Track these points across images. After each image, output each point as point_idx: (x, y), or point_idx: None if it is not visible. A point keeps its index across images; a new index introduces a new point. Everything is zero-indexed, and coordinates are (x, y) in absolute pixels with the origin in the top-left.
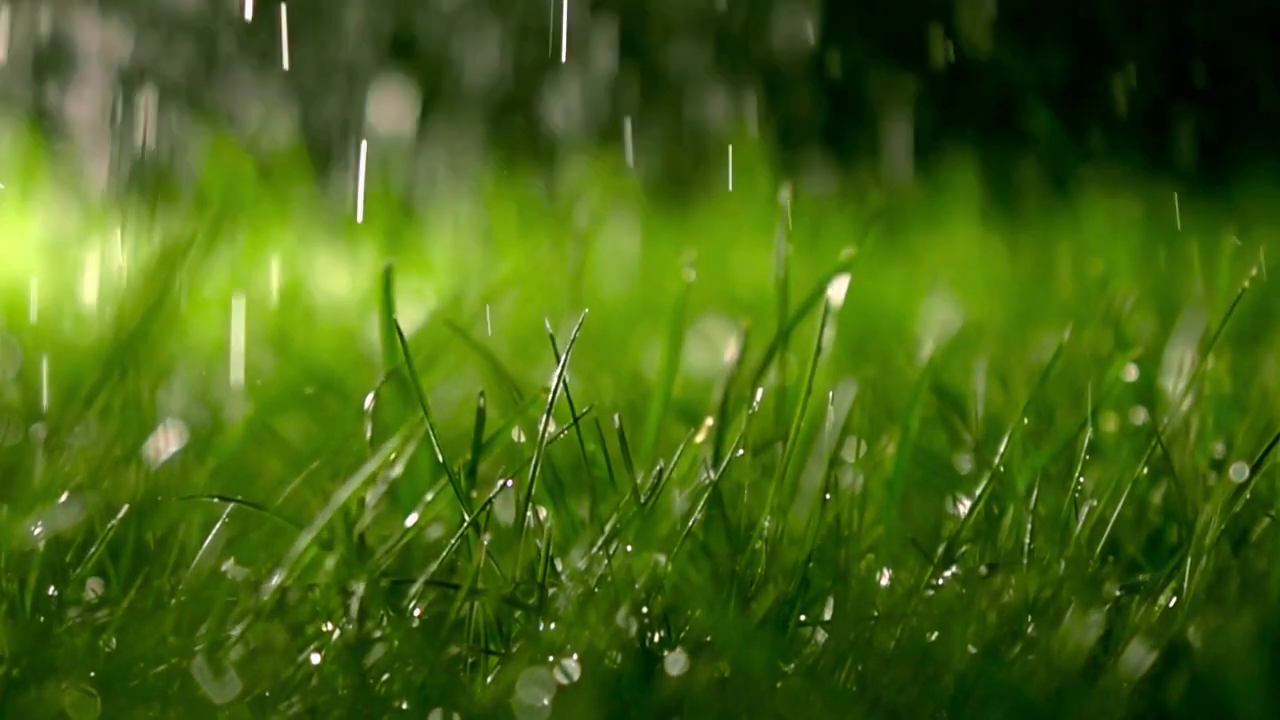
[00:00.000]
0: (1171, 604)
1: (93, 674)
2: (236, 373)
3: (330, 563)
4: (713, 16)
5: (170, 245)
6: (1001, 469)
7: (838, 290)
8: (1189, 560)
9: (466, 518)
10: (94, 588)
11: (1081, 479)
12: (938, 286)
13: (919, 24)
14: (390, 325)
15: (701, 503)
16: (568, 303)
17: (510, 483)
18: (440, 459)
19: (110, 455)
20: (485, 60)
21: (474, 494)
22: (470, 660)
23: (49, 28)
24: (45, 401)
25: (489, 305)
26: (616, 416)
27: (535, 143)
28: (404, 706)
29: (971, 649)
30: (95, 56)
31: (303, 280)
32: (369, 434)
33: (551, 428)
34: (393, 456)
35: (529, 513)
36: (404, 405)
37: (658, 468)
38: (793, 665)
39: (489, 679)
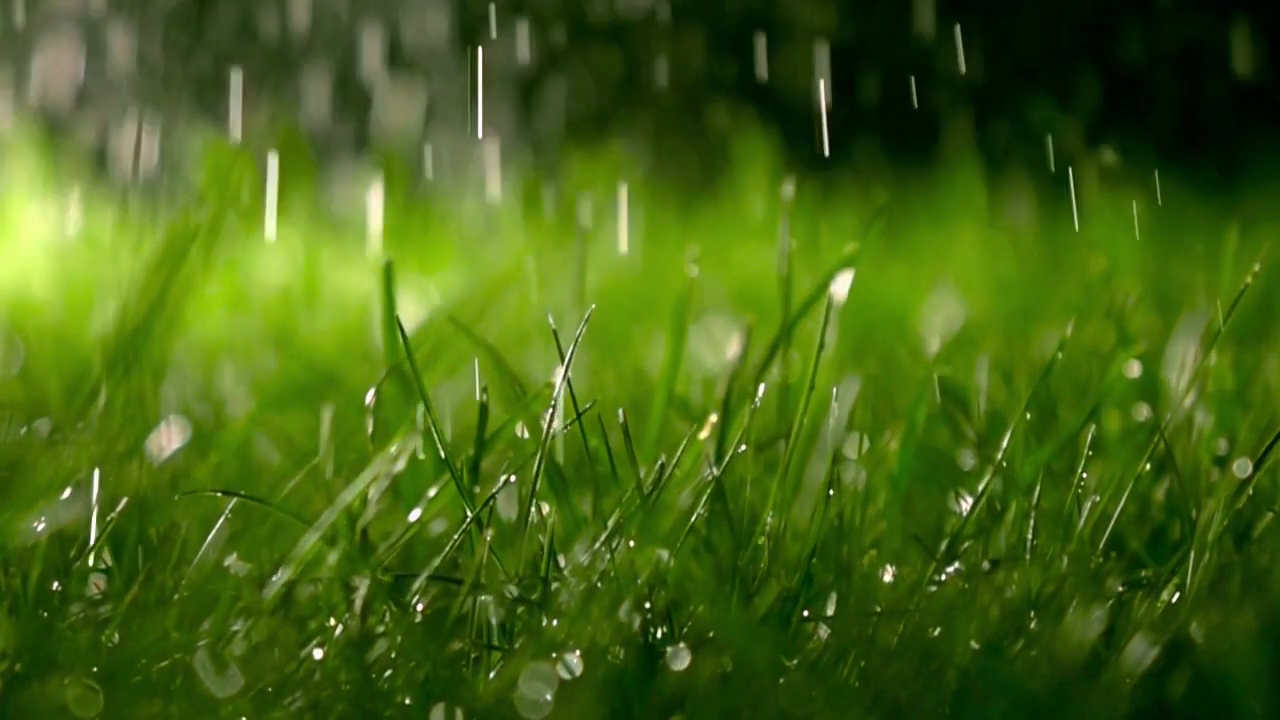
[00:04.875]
0: (1174, 600)
1: (95, 669)
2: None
3: (333, 558)
4: (716, 13)
5: (173, 241)
6: (1004, 465)
7: (841, 286)
8: (1192, 556)
9: (469, 513)
10: (96, 583)
11: (1084, 475)
12: (941, 283)
13: (921, 21)
14: (391, 321)
15: (704, 498)
16: (571, 299)
17: (513, 478)
18: (443, 454)
19: (113, 450)
20: (489, 56)
21: (477, 489)
22: (473, 656)
23: (51, 26)
24: (49, 397)
25: (492, 301)
26: (620, 412)
27: (539, 139)
28: (407, 702)
29: (974, 644)
30: (96, 54)
31: (306, 277)
32: (370, 430)
33: (555, 423)
34: (394, 452)
35: (532, 508)
36: (407, 401)
37: (660, 463)
38: (795, 661)
39: (492, 674)
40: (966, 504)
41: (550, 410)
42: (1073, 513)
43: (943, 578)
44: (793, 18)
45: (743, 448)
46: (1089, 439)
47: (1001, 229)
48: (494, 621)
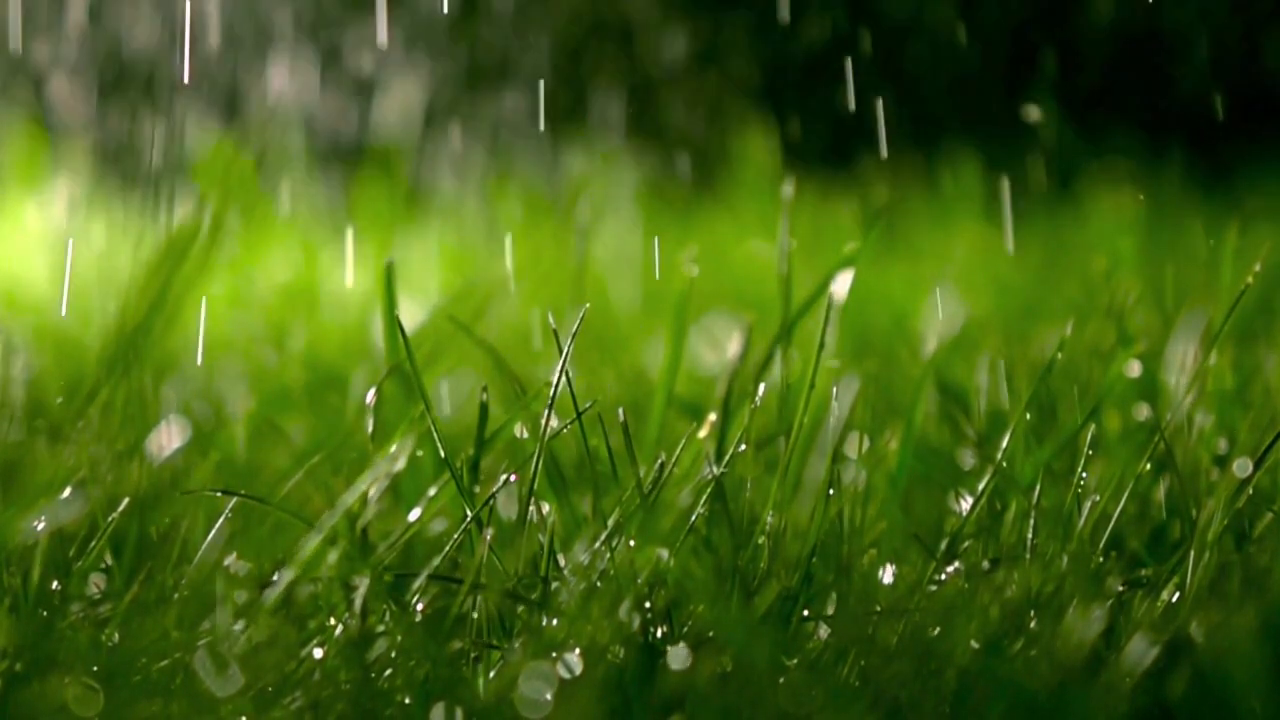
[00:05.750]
0: (1174, 599)
1: (95, 668)
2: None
3: (333, 557)
4: (718, 13)
5: (173, 240)
6: (1004, 464)
7: (841, 286)
8: (1191, 555)
9: (469, 513)
10: (96, 582)
11: (1084, 474)
12: (941, 282)
13: (922, 20)
14: (392, 321)
15: (704, 497)
16: (570, 298)
17: (513, 477)
18: (443, 454)
19: (113, 450)
20: (490, 56)
21: (477, 489)
22: (473, 655)
23: (52, 24)
24: (49, 397)
25: (492, 301)
26: (620, 411)
27: (539, 138)
28: (406, 701)
29: (974, 644)
30: (96, 53)
31: (306, 276)
32: (370, 429)
33: (554, 423)
34: (394, 450)
35: (532, 507)
36: (407, 401)
37: (660, 462)
38: (795, 660)
39: (491, 673)
40: (966, 504)
41: (547, 409)
42: (1073, 512)
43: (943, 577)
44: (794, 17)
45: (743, 447)
46: (1089, 439)
47: (1001, 229)
48: (488, 618)
